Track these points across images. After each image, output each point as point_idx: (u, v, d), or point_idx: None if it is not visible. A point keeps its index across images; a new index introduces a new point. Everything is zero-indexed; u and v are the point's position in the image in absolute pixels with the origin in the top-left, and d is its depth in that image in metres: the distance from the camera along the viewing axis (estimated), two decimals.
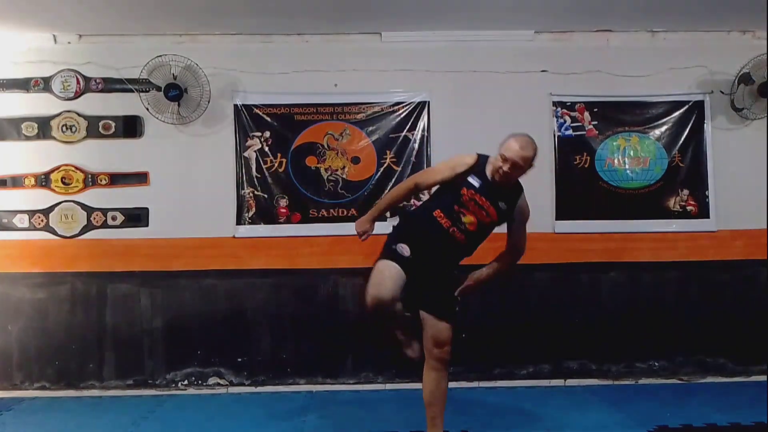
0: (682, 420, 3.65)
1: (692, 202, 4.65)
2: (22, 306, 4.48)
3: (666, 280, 4.62)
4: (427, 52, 4.58)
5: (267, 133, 4.57)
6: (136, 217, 4.52)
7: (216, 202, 4.53)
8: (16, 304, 4.48)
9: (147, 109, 4.41)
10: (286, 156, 4.57)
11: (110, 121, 4.51)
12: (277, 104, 4.57)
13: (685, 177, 4.65)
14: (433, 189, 3.21)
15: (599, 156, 4.64)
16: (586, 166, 4.64)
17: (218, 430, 3.71)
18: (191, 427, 3.75)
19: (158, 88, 4.38)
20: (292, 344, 4.53)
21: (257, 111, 4.57)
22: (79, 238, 4.50)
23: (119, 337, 4.49)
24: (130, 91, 4.45)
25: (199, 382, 4.50)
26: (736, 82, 4.54)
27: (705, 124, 4.66)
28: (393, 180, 4.54)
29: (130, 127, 4.51)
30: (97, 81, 4.52)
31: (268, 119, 4.57)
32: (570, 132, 4.64)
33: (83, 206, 4.51)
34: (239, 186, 4.55)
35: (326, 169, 4.58)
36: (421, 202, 3.61)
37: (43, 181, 4.51)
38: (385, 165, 4.59)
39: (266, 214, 4.55)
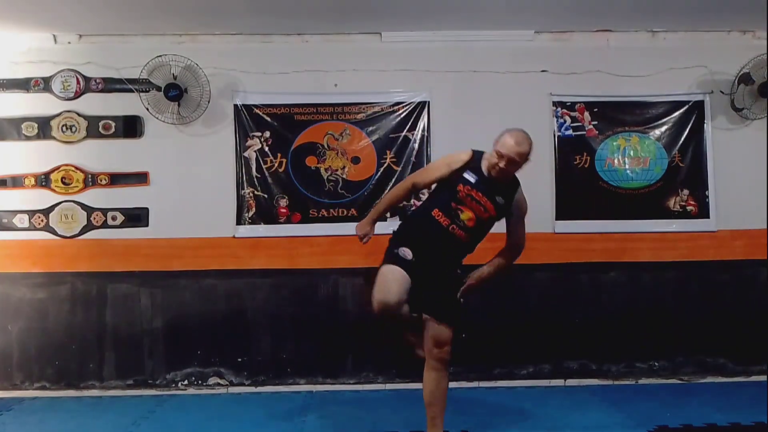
0: (682, 420, 3.64)
1: (692, 202, 4.65)
2: (22, 306, 4.48)
3: (666, 280, 4.62)
4: (427, 52, 4.58)
5: (267, 133, 4.57)
6: (136, 217, 4.52)
7: (216, 202, 4.53)
8: (16, 304, 4.48)
9: (147, 109, 4.41)
10: (286, 156, 4.57)
11: (110, 121, 4.51)
12: (277, 104, 4.56)
13: (685, 177, 4.65)
14: (432, 188, 3.21)
15: (599, 156, 4.64)
16: (586, 166, 4.64)
17: (218, 430, 3.70)
18: (191, 427, 3.75)
19: (158, 88, 4.38)
20: (292, 344, 4.53)
21: (257, 111, 4.57)
22: (79, 238, 4.50)
23: (119, 337, 4.49)
24: (130, 91, 4.45)
25: (199, 382, 4.50)
26: (736, 82, 4.53)
27: (705, 124, 4.66)
28: (393, 180, 4.54)
29: (130, 127, 4.51)
30: (97, 81, 4.52)
31: (268, 119, 4.57)
32: (570, 132, 4.64)
33: (83, 206, 4.51)
34: (239, 186, 4.55)
35: (326, 169, 4.58)
36: (420, 202, 3.62)
37: (43, 181, 4.51)
38: (385, 165, 4.59)
39: (266, 214, 4.55)
